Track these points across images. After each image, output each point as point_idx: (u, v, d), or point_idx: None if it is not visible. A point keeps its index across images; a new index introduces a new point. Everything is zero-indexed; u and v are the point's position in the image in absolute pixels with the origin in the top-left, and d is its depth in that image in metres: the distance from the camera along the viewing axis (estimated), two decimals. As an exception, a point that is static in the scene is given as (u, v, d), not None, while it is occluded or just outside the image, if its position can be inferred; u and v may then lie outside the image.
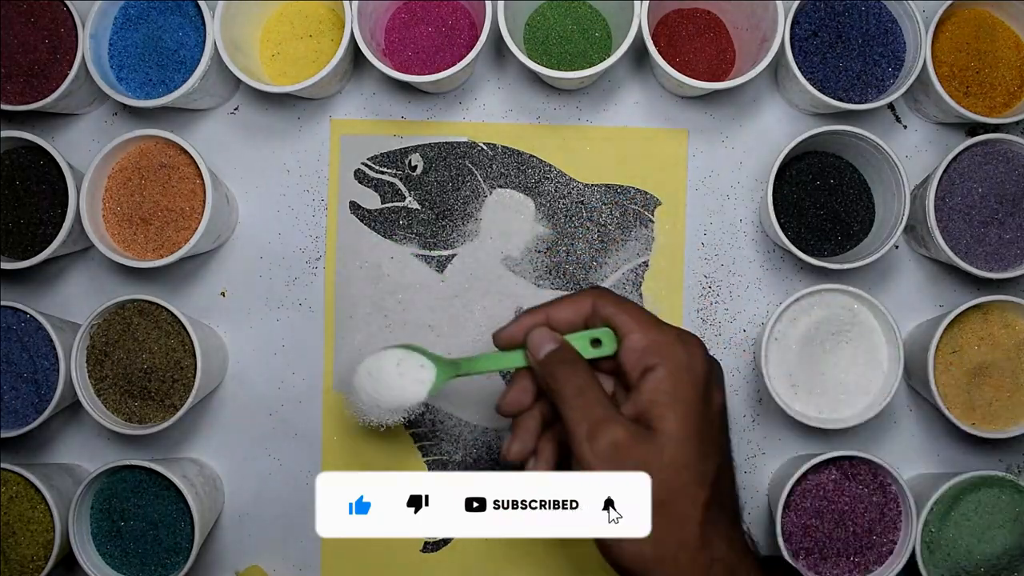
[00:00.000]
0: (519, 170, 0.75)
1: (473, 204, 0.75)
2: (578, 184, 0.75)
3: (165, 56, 0.72)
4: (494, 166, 0.75)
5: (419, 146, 0.75)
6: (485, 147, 0.75)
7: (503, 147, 0.75)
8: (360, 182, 0.75)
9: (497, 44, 0.76)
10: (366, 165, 0.75)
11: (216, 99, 0.75)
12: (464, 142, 0.75)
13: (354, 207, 0.75)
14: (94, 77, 0.70)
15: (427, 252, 0.75)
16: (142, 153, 0.71)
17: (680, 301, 0.74)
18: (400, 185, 0.74)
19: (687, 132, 0.75)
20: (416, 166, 0.72)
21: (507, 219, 0.75)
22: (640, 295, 0.74)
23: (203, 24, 0.71)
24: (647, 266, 0.74)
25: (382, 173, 0.74)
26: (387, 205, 0.75)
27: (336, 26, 0.74)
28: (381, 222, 0.75)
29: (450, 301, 0.75)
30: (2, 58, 0.71)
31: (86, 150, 0.76)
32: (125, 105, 0.72)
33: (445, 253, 0.74)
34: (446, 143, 0.75)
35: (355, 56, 0.74)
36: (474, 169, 0.74)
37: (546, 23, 0.73)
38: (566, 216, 0.74)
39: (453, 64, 0.68)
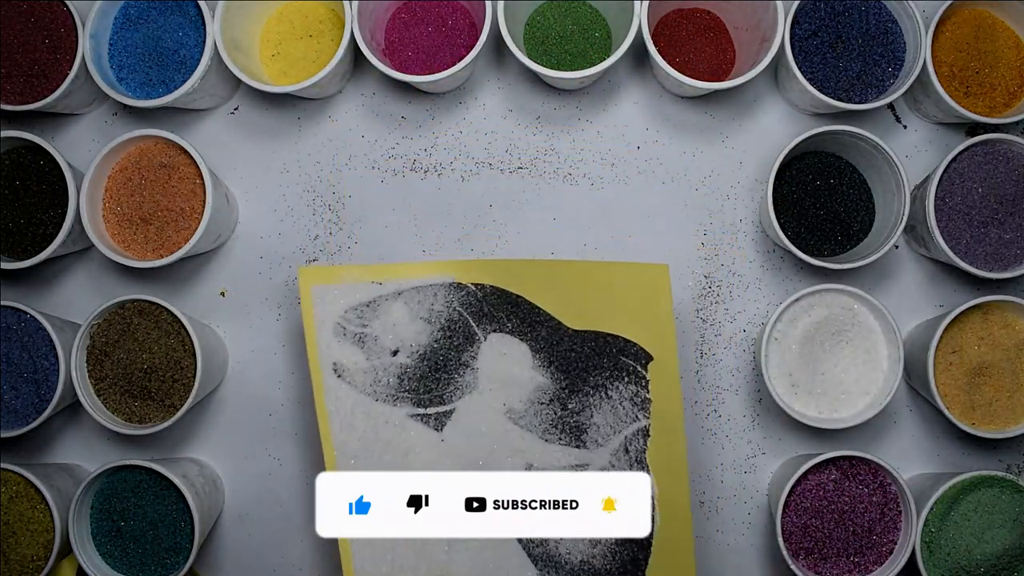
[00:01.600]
0: (511, 313, 0.67)
1: (468, 352, 0.67)
2: (568, 331, 0.67)
3: (165, 56, 0.72)
4: (485, 308, 0.67)
5: (400, 292, 0.67)
6: (473, 287, 0.67)
7: (491, 286, 0.67)
8: (340, 338, 0.66)
9: (497, 44, 0.76)
10: (344, 319, 0.66)
11: (216, 99, 0.75)
12: (450, 283, 0.67)
13: (338, 369, 0.66)
14: (94, 77, 0.70)
15: (423, 411, 0.66)
16: (142, 153, 0.71)
17: (685, 474, 0.67)
18: (386, 339, 0.66)
19: (667, 268, 0.67)
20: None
21: (507, 368, 0.67)
22: (646, 467, 0.67)
23: (203, 24, 0.71)
24: (648, 432, 0.67)
25: (364, 326, 0.66)
26: (373, 362, 0.66)
27: (336, 26, 0.74)
28: (370, 384, 0.66)
29: (454, 461, 0.66)
30: (2, 58, 0.71)
31: (86, 150, 0.76)
32: (125, 105, 0.72)
33: (442, 409, 0.67)
34: (430, 286, 0.67)
35: (355, 56, 0.74)
36: (464, 313, 0.67)
37: (546, 23, 0.73)
38: (562, 366, 0.67)
39: (453, 64, 0.68)
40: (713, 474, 0.75)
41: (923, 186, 0.71)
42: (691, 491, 0.69)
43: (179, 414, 0.69)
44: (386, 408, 0.66)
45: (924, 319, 0.74)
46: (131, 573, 0.71)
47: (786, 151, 0.69)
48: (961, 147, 0.69)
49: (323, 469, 0.75)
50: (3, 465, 0.70)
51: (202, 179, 0.70)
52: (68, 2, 0.71)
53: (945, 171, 0.69)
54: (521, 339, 0.67)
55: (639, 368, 0.67)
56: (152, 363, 0.70)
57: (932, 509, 0.69)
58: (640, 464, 0.67)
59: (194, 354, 0.69)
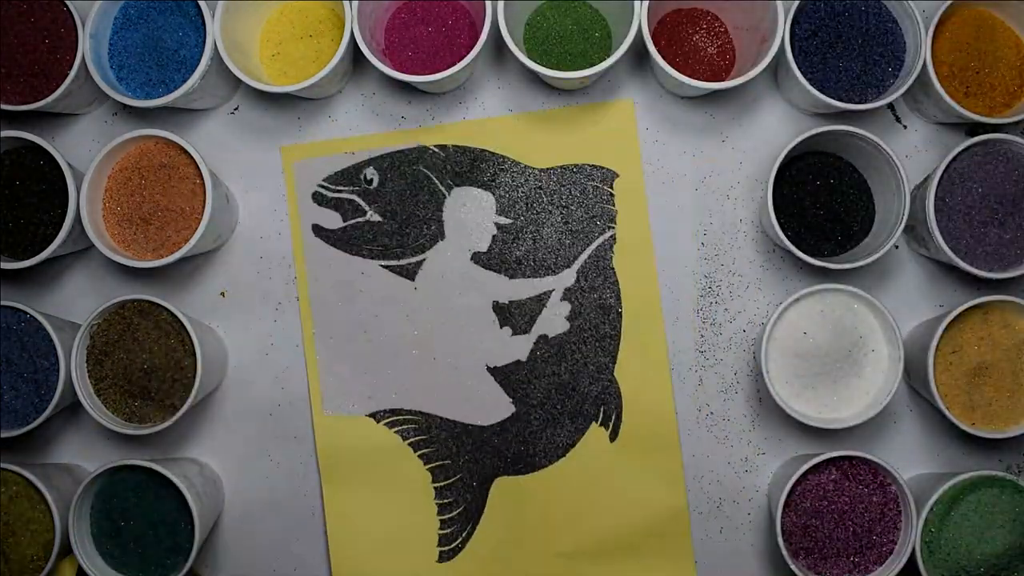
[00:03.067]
0: (473, 166, 0.75)
1: (433, 207, 0.75)
2: (534, 171, 0.75)
3: (165, 56, 0.72)
4: (448, 166, 0.75)
5: (371, 159, 0.75)
6: (436, 150, 0.75)
7: (453, 147, 0.75)
8: (319, 204, 0.75)
9: (497, 44, 0.76)
10: (322, 187, 0.75)
11: (216, 99, 0.75)
12: (415, 148, 0.75)
13: (317, 230, 0.75)
14: (94, 77, 0.70)
15: (395, 262, 0.75)
16: (142, 153, 0.71)
17: (654, 270, 0.74)
18: (359, 200, 0.74)
19: (632, 101, 0.75)
20: (371, 179, 0.73)
21: (469, 216, 0.75)
22: (613, 270, 0.74)
23: (203, 24, 0.71)
24: (614, 240, 0.74)
25: (339, 192, 0.75)
26: (349, 222, 0.75)
27: (336, 26, 0.74)
28: (346, 241, 0.75)
29: (426, 307, 0.75)
30: (2, 58, 0.71)
31: (86, 150, 0.76)
32: (125, 105, 0.72)
33: (413, 260, 0.75)
34: (397, 152, 0.75)
35: (355, 56, 0.74)
36: (429, 173, 0.74)
37: (546, 23, 0.73)
38: (527, 204, 0.75)
39: (453, 64, 0.68)
40: (713, 474, 0.75)
41: (923, 186, 0.71)
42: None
43: (179, 414, 0.69)
44: (361, 262, 0.75)
45: (924, 319, 0.74)
46: (131, 573, 0.71)
47: (786, 151, 0.69)
48: (961, 147, 0.69)
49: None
50: (3, 465, 0.70)
51: (202, 179, 0.70)
52: (68, 2, 0.71)
53: (945, 171, 0.69)
54: (484, 189, 0.74)
55: (604, 187, 0.73)
56: (152, 363, 0.70)
57: (932, 509, 0.69)
58: (607, 265, 0.74)
59: (194, 354, 0.69)
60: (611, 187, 0.74)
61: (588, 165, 0.75)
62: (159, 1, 0.72)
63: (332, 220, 0.75)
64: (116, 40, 0.72)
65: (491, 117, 0.75)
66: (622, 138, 0.75)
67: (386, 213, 0.74)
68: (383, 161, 0.75)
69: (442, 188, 0.74)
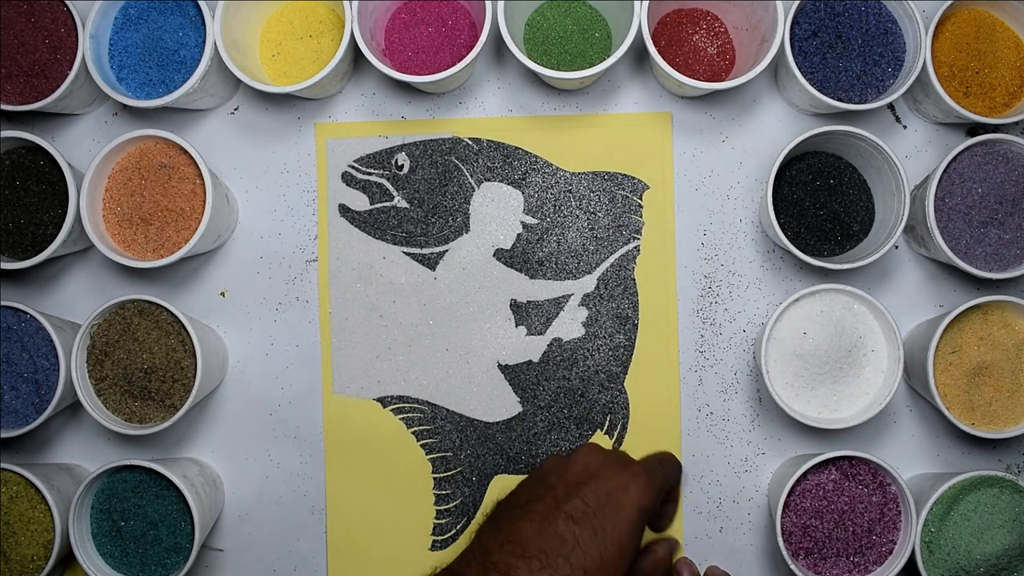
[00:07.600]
0: (505, 163, 0.75)
1: (460, 199, 0.75)
2: (565, 173, 0.75)
3: (165, 56, 0.72)
4: (480, 160, 0.75)
5: (404, 145, 0.75)
6: (470, 142, 0.75)
7: (488, 141, 0.75)
8: (348, 184, 0.75)
9: (497, 44, 0.76)
10: (353, 167, 0.75)
11: (216, 99, 0.75)
12: (449, 138, 0.75)
13: (343, 210, 0.75)
14: (94, 77, 0.70)
15: (418, 250, 0.75)
16: (142, 153, 0.71)
17: (674, 286, 0.75)
18: (388, 185, 0.75)
19: (671, 115, 0.75)
20: (403, 165, 0.73)
21: (496, 212, 0.75)
22: (634, 281, 0.74)
23: (203, 24, 0.71)
24: (638, 251, 0.75)
25: (369, 174, 0.75)
26: (376, 206, 0.75)
27: (336, 26, 0.74)
28: (371, 224, 0.75)
29: (444, 297, 0.75)
30: (2, 58, 0.71)
31: (86, 150, 0.76)
32: (125, 105, 0.72)
33: (436, 250, 0.75)
34: (431, 140, 0.75)
35: (355, 56, 0.74)
36: (460, 165, 0.75)
37: (546, 23, 0.73)
38: (555, 206, 0.75)
39: (453, 64, 0.68)
40: (713, 474, 0.75)
41: (923, 186, 0.71)
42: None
43: (179, 414, 0.69)
44: (384, 246, 0.75)
45: (924, 319, 0.74)
46: (131, 573, 0.71)
47: (786, 151, 0.69)
48: (961, 147, 0.69)
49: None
50: (3, 465, 0.70)
51: (202, 179, 0.70)
52: (68, 2, 0.71)
53: (945, 171, 0.69)
54: (514, 186, 0.74)
55: (634, 197, 0.74)
56: (152, 363, 0.70)
57: (932, 509, 0.69)
58: (629, 275, 0.74)
59: (194, 354, 0.69)
60: (640, 198, 0.74)
61: (620, 174, 0.75)
62: (159, 1, 0.72)
63: (359, 202, 0.75)
64: (116, 40, 0.72)
65: (529, 116, 0.76)
66: (657, 150, 0.75)
67: (413, 200, 0.75)
68: (416, 148, 0.75)
69: (472, 181, 0.74)
